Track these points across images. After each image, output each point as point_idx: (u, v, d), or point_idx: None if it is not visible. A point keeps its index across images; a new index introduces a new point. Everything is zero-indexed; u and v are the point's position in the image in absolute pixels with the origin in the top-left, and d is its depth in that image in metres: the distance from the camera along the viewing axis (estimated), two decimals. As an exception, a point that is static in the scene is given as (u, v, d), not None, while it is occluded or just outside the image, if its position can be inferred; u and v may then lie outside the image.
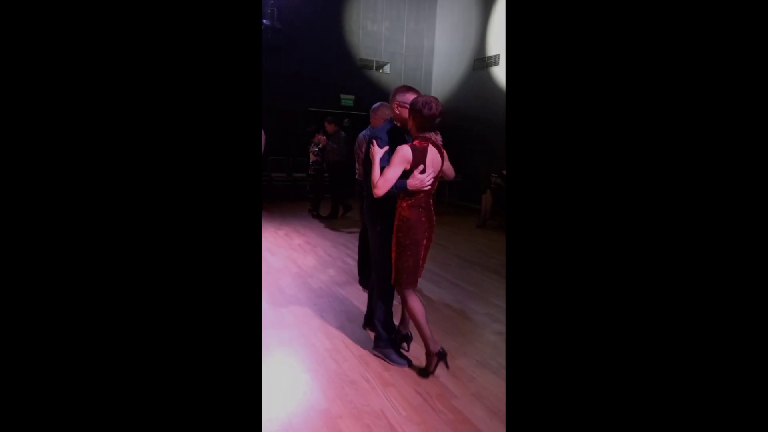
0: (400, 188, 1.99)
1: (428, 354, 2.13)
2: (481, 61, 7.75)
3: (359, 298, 3.23)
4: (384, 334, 2.32)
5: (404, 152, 1.95)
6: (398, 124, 2.18)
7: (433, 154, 2.00)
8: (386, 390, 2.04)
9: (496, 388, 2.10)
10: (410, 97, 2.09)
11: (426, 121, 1.97)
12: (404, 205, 2.06)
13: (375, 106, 3.36)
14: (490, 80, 7.53)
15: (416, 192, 2.02)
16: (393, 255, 2.12)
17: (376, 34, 8.60)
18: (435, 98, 2.00)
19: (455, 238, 5.41)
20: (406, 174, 1.98)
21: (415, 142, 2.00)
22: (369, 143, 2.12)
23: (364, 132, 3.35)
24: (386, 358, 2.30)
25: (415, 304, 2.13)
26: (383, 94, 8.19)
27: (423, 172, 1.98)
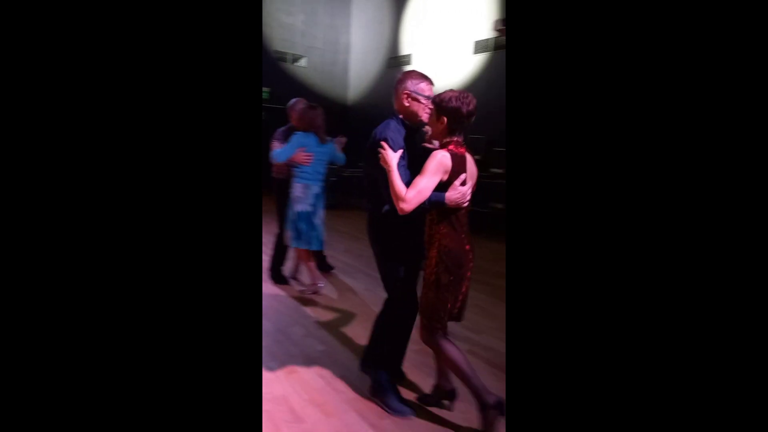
0: (436, 203, 1.59)
1: (484, 407, 1.62)
2: (395, 60, 8.04)
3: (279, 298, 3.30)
4: (384, 376, 1.88)
5: (443, 159, 1.57)
6: (407, 121, 1.76)
7: (470, 163, 1.66)
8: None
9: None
10: (426, 87, 1.73)
11: (463, 120, 1.61)
12: (443, 231, 1.63)
13: (292, 102, 3.19)
14: (403, 78, 7.86)
15: (452, 211, 1.62)
16: (426, 295, 1.67)
17: (291, 27, 8.52)
18: (467, 92, 1.64)
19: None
20: (441, 186, 1.59)
21: (451, 147, 1.62)
22: (376, 145, 1.66)
23: (283, 129, 3.22)
24: (386, 406, 1.83)
25: (454, 352, 1.67)
26: (300, 87, 8.17)
27: (464, 183, 1.60)
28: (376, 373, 1.89)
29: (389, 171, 1.59)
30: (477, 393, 1.63)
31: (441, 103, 1.61)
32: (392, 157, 1.60)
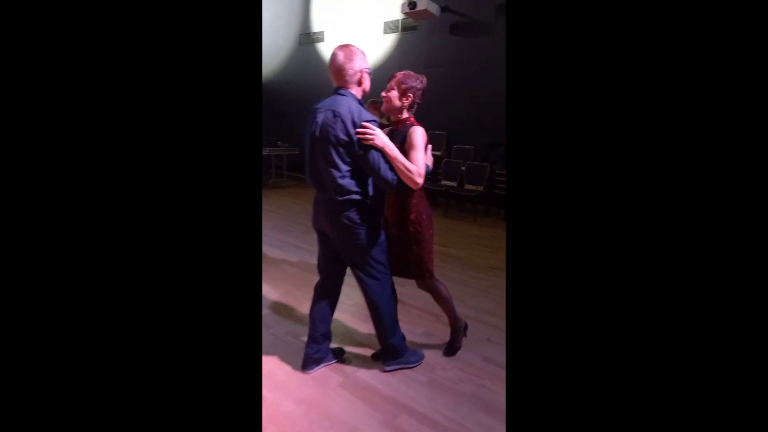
0: (428, 171, 1.81)
1: (458, 330, 2.28)
2: (307, 36, 8.09)
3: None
4: (398, 339, 2.08)
5: (423, 133, 1.82)
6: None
7: None
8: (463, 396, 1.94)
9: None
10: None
11: (422, 97, 1.94)
12: (418, 197, 1.99)
13: None
14: (316, 55, 7.96)
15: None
16: (414, 253, 2.01)
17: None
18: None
19: (297, 208, 5.89)
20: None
21: (412, 120, 1.92)
22: (355, 126, 1.67)
23: None
24: (407, 364, 2.13)
25: (443, 289, 2.16)
26: (209, 64, 7.85)
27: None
28: (390, 344, 2.05)
29: (388, 152, 1.67)
30: (455, 319, 2.26)
31: (407, 82, 1.86)
32: (384, 138, 1.67)
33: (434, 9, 5.79)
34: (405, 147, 1.79)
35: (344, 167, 1.72)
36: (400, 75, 1.90)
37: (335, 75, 1.76)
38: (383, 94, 1.95)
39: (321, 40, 7.90)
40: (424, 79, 1.93)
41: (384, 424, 1.79)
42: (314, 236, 2.03)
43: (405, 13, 5.86)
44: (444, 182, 5.76)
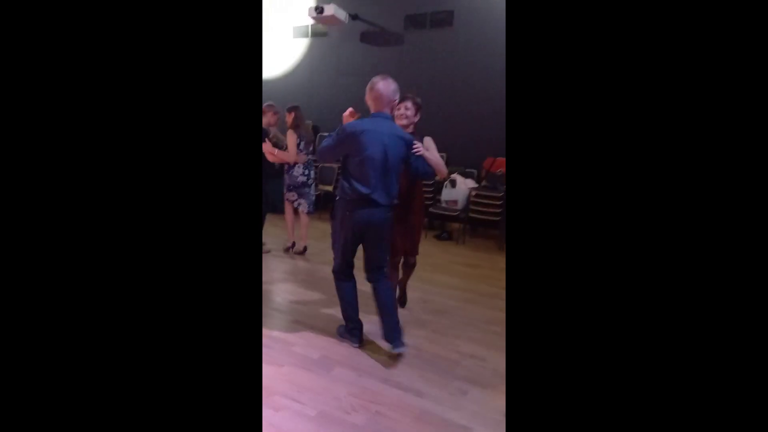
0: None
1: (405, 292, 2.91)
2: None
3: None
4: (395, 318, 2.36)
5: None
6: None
7: None
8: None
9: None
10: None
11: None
12: (420, 185, 2.61)
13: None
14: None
15: None
16: (416, 228, 2.60)
17: None
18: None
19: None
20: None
21: (413, 131, 2.44)
22: (410, 146, 2.24)
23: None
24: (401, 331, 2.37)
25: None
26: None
27: None
28: (393, 321, 2.31)
29: (428, 156, 2.31)
30: (413, 260, 2.73)
31: (418, 101, 2.40)
32: (422, 149, 2.29)
33: (342, 16, 5.65)
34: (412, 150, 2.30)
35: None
36: (412, 95, 2.42)
37: (376, 101, 2.17)
38: (398, 111, 2.37)
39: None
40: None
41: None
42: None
43: (312, 18, 5.64)
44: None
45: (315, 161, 4.18)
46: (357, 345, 2.38)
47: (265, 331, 2.49)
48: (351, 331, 2.39)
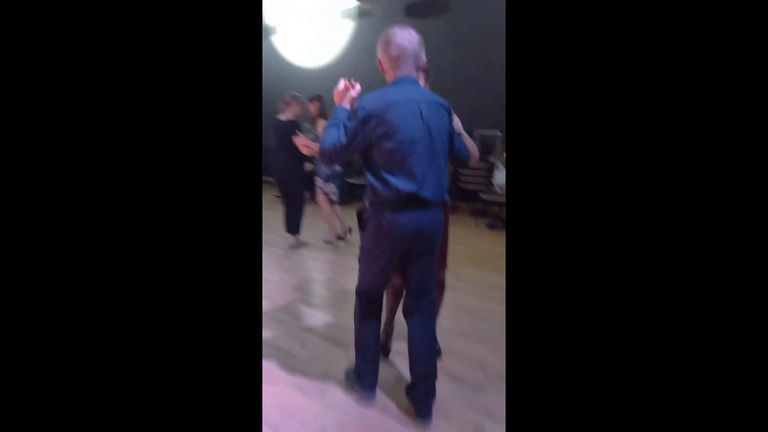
0: None
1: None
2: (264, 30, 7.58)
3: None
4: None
5: None
6: None
7: None
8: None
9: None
10: None
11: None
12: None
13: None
14: (269, 50, 7.43)
15: None
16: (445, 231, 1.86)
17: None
18: None
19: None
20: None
21: None
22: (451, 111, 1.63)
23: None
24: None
25: None
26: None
27: None
28: (430, 384, 1.72)
29: (464, 133, 1.78)
30: (442, 276, 2.03)
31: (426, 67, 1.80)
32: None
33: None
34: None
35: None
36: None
37: (398, 60, 1.51)
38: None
39: (273, 33, 7.37)
40: None
41: None
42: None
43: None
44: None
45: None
46: (370, 399, 1.76)
47: (269, 340, 2.26)
48: (361, 377, 1.78)
